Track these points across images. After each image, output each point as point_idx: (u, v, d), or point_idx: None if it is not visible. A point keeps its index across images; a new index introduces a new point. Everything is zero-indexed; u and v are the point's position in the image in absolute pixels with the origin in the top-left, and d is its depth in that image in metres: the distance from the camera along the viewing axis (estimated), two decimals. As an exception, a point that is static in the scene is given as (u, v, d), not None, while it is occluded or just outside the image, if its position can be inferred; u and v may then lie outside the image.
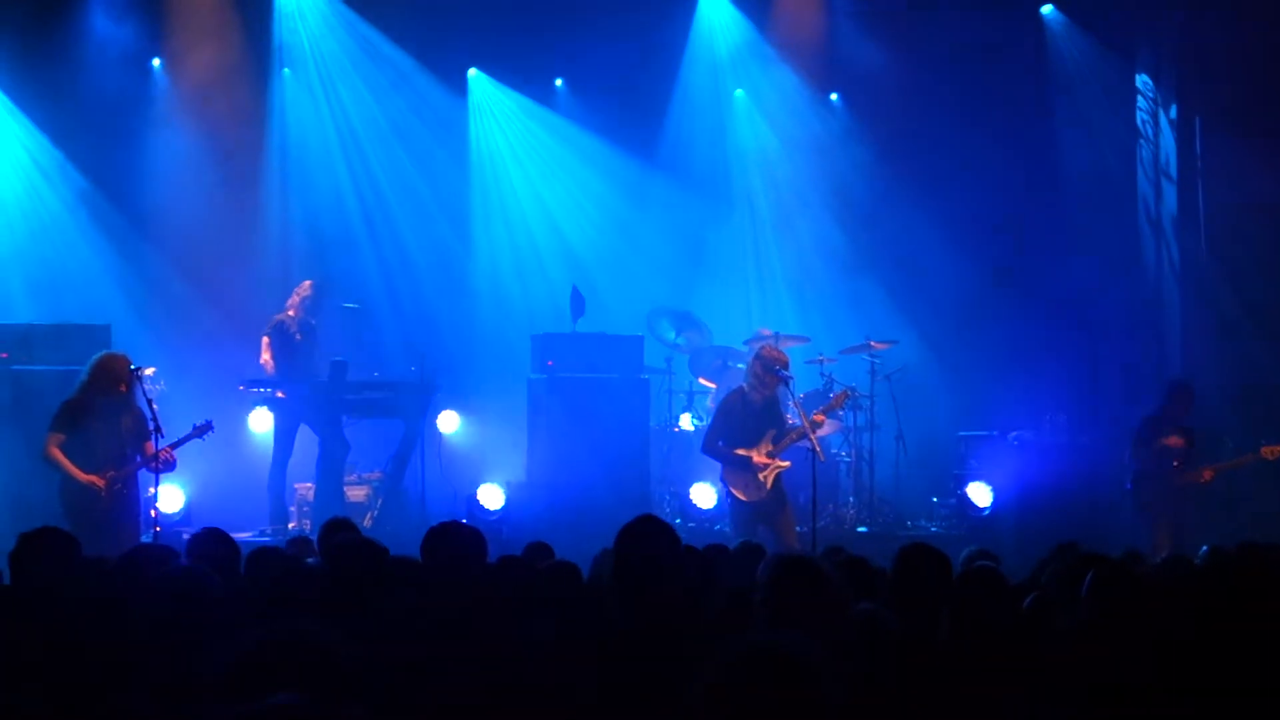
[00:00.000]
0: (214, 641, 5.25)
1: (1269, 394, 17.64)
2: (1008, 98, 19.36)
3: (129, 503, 12.71)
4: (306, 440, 16.12)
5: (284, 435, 16.05)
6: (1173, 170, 19.18)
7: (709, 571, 6.96)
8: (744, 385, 13.94)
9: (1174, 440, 15.00)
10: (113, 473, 12.48)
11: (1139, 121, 19.56)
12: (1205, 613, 5.38)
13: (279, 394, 15.93)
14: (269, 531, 15.56)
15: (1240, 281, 18.31)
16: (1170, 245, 19.13)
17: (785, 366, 13.74)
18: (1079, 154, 19.50)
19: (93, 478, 12.42)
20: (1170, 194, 19.13)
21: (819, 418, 13.92)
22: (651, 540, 6.50)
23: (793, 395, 14.04)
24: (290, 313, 16.35)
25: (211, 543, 7.93)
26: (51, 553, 7.06)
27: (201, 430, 12.90)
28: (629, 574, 6.38)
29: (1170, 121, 19.19)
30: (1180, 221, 19.00)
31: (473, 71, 20.22)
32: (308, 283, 16.60)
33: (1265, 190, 17.74)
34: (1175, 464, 14.92)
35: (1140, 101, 19.54)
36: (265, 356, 16.17)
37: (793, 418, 14.20)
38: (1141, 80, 19.54)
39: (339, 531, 8.85)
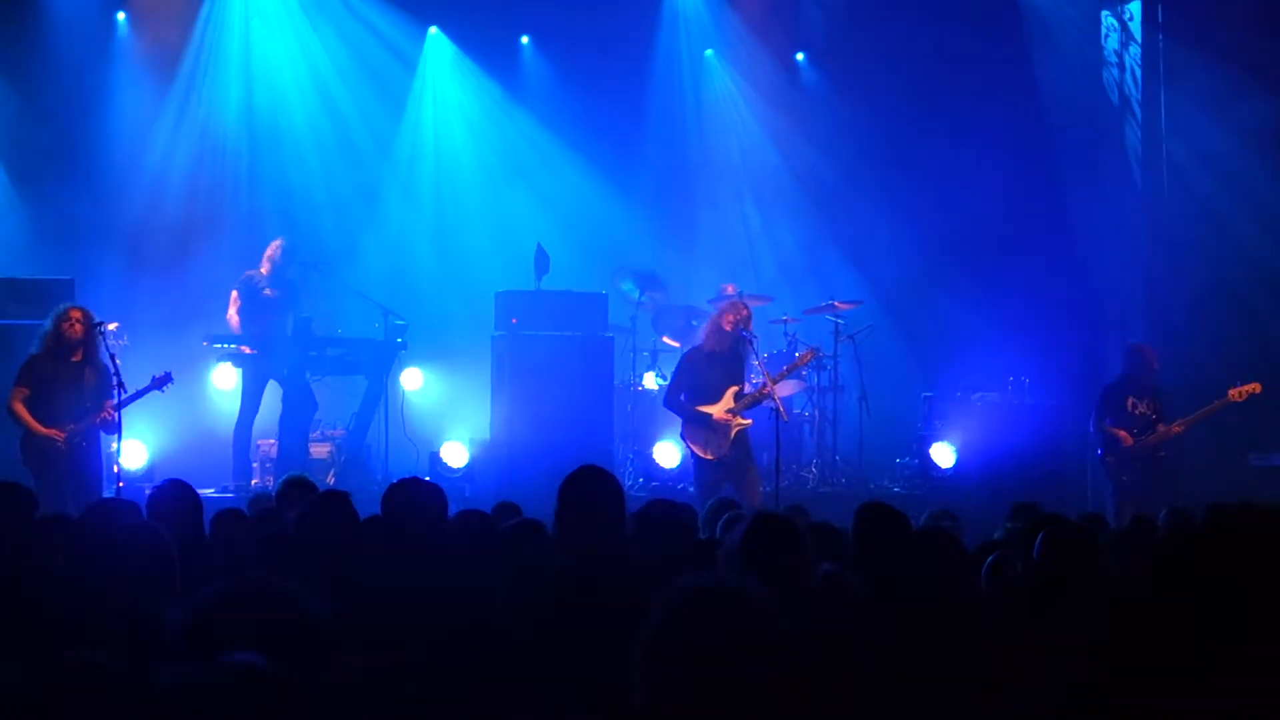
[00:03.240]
0: (174, 596, 5.26)
1: (1236, 343, 17.70)
2: (978, 54, 19.35)
3: (90, 457, 12.79)
4: (269, 396, 16.07)
5: (251, 392, 15.98)
6: (1139, 130, 19.25)
7: (675, 521, 6.97)
8: (705, 341, 13.95)
9: (1123, 432, 14.98)
10: (71, 426, 12.53)
11: (1107, 78, 19.61)
12: (1163, 573, 5.40)
13: (245, 350, 15.88)
14: (232, 488, 15.53)
15: (1205, 238, 18.38)
16: (1135, 203, 19.20)
17: (747, 324, 13.74)
18: (1048, 112, 19.56)
19: (51, 431, 12.47)
20: (1136, 158, 19.20)
21: (776, 383, 13.88)
22: (593, 489, 6.55)
23: (756, 354, 14.04)
24: (263, 269, 16.26)
25: (175, 494, 7.91)
26: (8, 508, 7.03)
27: (160, 382, 12.99)
28: (572, 522, 6.43)
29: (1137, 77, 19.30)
30: (1145, 185, 19.07)
31: (433, 30, 20.13)
32: (278, 241, 16.49)
33: (1234, 132, 17.92)
34: (1134, 435, 14.92)
35: (1110, 55, 19.59)
36: (231, 311, 16.10)
37: (756, 376, 14.19)
38: (1109, 23, 19.61)
39: (298, 490, 8.87)
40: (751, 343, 13.81)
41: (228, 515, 8.27)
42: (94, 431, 12.77)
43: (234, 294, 16.15)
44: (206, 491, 14.40)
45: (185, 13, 19.00)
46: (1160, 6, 19.09)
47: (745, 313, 13.87)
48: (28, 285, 15.45)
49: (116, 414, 12.73)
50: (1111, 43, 19.63)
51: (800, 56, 20.53)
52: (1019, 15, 19.85)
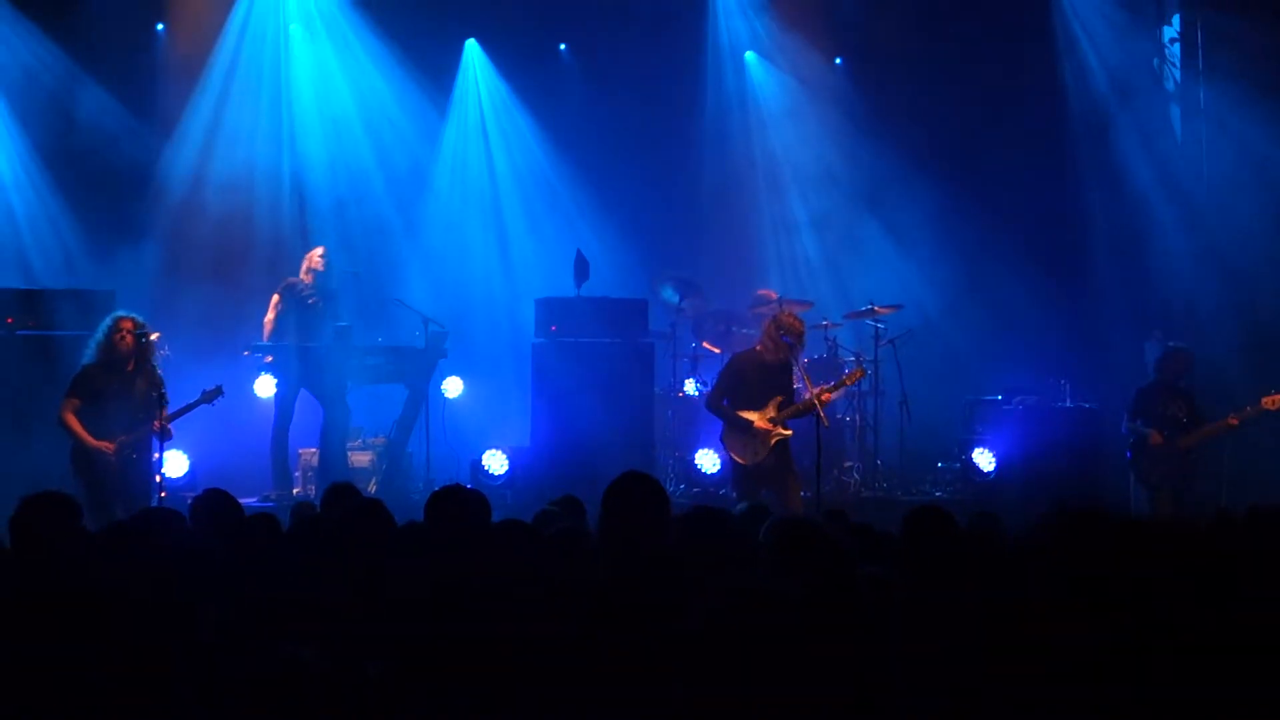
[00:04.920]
0: (216, 602, 5.29)
1: (1274, 349, 17.63)
2: (1011, 55, 19.39)
3: (139, 468, 12.79)
4: (313, 405, 16.12)
5: (283, 400, 16.03)
6: (1178, 135, 19.21)
7: (717, 526, 6.97)
8: (756, 347, 13.87)
9: (1154, 431, 14.98)
10: (122, 438, 12.58)
11: (1145, 83, 19.55)
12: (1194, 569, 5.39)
13: (267, 359, 15.96)
14: (273, 497, 15.59)
15: (1245, 244, 18.30)
16: (1175, 208, 19.13)
17: (797, 336, 13.62)
18: (1084, 114, 19.53)
19: (101, 443, 12.52)
20: (1176, 163, 19.15)
21: (827, 396, 13.72)
22: (637, 495, 6.55)
23: (799, 364, 13.96)
24: (305, 278, 16.30)
25: (215, 503, 7.94)
26: (52, 517, 7.07)
27: (211, 396, 13.03)
28: (616, 529, 6.43)
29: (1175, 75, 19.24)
30: (1185, 189, 19.00)
31: (471, 40, 20.20)
32: (319, 250, 16.53)
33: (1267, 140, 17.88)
34: (1158, 438, 14.91)
35: (1149, 59, 19.53)
36: (269, 315, 16.16)
37: (798, 384, 14.13)
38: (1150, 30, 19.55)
39: (343, 497, 8.88)
40: (795, 353, 13.70)
41: (267, 521, 8.28)
42: (145, 442, 12.76)
43: (275, 298, 16.20)
44: (248, 500, 14.46)
45: (223, 24, 19.08)
46: (1199, 24, 19.03)
47: (794, 324, 13.73)
48: (70, 296, 15.48)
49: (168, 425, 12.76)
50: (1150, 43, 19.56)
51: (838, 60, 20.52)
52: (1053, 22, 19.86)
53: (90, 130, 18.17)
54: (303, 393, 16.02)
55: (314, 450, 16.38)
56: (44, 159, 18.24)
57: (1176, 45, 19.32)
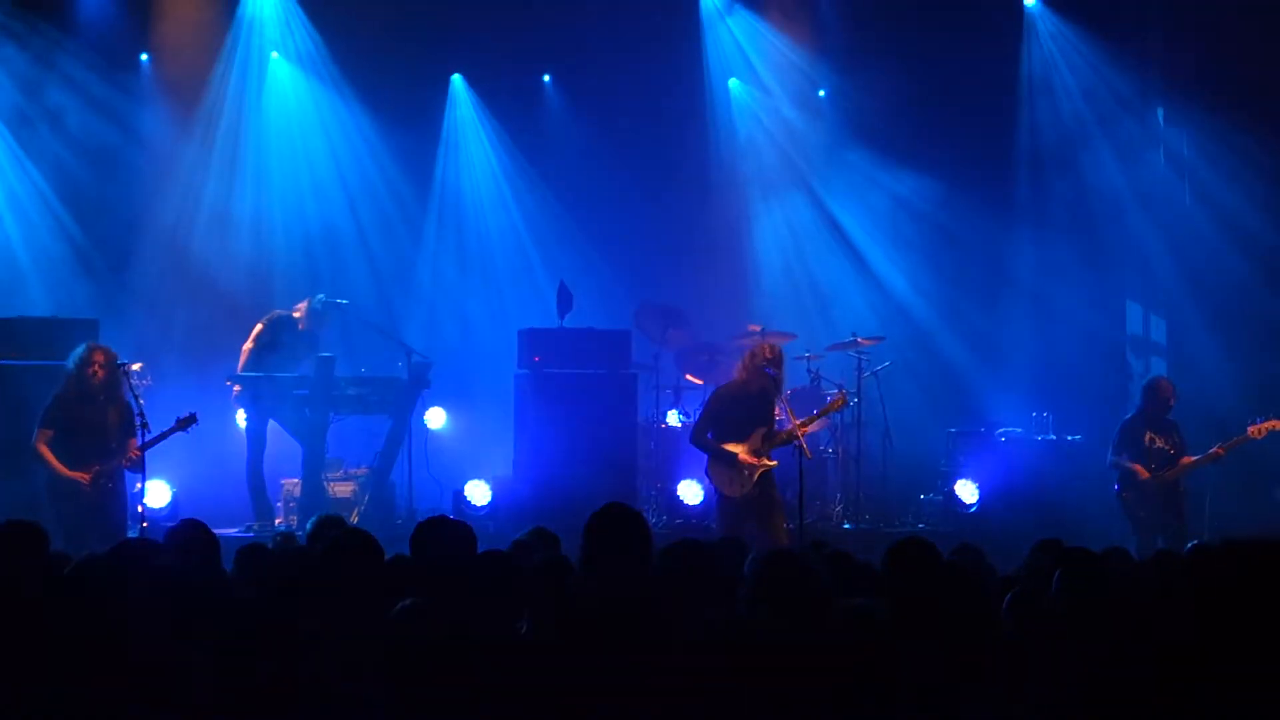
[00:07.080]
0: (194, 633, 5.27)
1: (1257, 380, 17.66)
2: (992, 86, 19.47)
3: (114, 498, 12.81)
4: (283, 437, 16.08)
5: (253, 431, 15.95)
6: (1160, 165, 19.28)
7: (699, 559, 6.97)
8: (736, 379, 13.86)
9: (1138, 466, 14.99)
10: (97, 468, 12.55)
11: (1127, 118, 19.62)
12: (1185, 609, 5.39)
13: (235, 388, 15.90)
14: (255, 527, 15.53)
15: (1227, 276, 18.36)
16: (1157, 239, 19.17)
17: (775, 364, 13.63)
18: (1063, 147, 19.58)
19: (77, 474, 12.49)
20: (1157, 193, 19.21)
21: (806, 428, 13.74)
22: (619, 526, 6.55)
23: (781, 394, 13.95)
24: (296, 314, 16.28)
25: (190, 533, 7.92)
26: (19, 547, 7.04)
27: (185, 424, 12.96)
28: (598, 560, 6.43)
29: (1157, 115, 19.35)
30: (1167, 222, 19.05)
31: (456, 76, 20.23)
32: (311, 301, 16.46)
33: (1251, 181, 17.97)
34: (1151, 470, 14.92)
35: (1123, 89, 19.60)
36: (246, 345, 16.06)
37: (781, 413, 14.11)
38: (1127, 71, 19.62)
39: (330, 528, 8.86)
40: (776, 381, 13.70)
41: (251, 552, 8.26)
42: (119, 472, 12.79)
43: (260, 327, 16.13)
44: (229, 531, 14.45)
45: (208, 55, 19.09)
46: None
47: (771, 354, 13.74)
48: (53, 325, 15.44)
49: (141, 454, 12.73)
50: (1127, 77, 19.63)
51: (821, 93, 20.55)
52: (1027, 57, 19.96)
53: (77, 158, 18.21)
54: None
55: (296, 481, 16.34)
56: (34, 188, 18.24)
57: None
